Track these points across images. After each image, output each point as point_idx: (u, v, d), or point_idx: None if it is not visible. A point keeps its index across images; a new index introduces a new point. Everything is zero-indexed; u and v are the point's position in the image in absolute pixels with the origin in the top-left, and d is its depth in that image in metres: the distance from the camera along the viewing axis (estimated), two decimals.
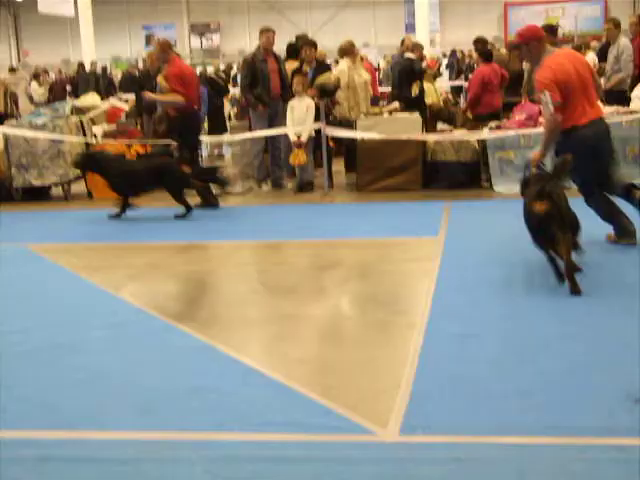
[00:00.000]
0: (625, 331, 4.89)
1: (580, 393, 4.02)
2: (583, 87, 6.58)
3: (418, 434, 3.67)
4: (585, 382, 4.16)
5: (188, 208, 9.24)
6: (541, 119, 10.11)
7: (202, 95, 13.36)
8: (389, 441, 3.64)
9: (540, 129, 10.08)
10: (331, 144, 11.50)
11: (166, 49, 10.16)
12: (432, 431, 3.68)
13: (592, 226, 6.62)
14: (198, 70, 17.96)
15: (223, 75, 18.39)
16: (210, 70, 21.29)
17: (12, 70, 23.01)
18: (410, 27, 33.57)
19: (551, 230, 5.63)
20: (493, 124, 10.45)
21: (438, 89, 13.82)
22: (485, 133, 10.24)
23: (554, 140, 6.65)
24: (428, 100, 12.57)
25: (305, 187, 10.81)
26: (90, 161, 9.76)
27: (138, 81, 13.46)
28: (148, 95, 10.63)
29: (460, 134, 10.63)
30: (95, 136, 12.12)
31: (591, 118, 6.60)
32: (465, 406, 3.93)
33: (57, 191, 11.61)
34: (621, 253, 6.69)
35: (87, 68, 24.28)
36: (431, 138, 10.64)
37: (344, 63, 11.43)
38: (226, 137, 13.22)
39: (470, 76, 14.65)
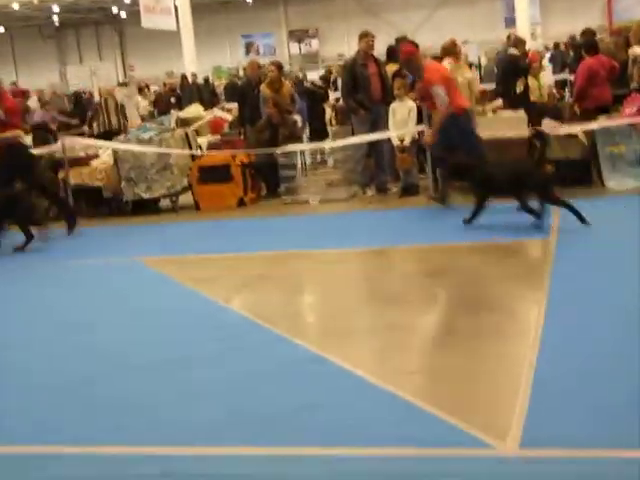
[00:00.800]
0: None
1: None
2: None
3: (539, 447, 3.55)
4: None
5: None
6: None
7: (301, 108, 13.43)
8: (509, 454, 3.53)
9: None
10: None
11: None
12: (553, 444, 3.55)
13: None
14: (294, 77, 17.97)
15: (320, 82, 18.41)
16: (308, 79, 21.29)
17: (123, 84, 23.64)
18: (509, 21, 32.97)
19: None
20: (602, 118, 10.12)
21: (543, 85, 13.47)
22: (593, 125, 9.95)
23: None
24: (532, 97, 12.29)
25: (410, 190, 10.72)
26: None
27: (240, 90, 13.57)
28: None
29: (567, 127, 10.37)
30: (200, 147, 12.32)
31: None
32: (585, 418, 3.78)
33: (165, 203, 11.85)
34: None
35: (190, 80, 24.75)
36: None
37: (447, 63, 11.28)
38: (328, 143, 13.24)
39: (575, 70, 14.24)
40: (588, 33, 12.39)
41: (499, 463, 3.48)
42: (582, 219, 7.83)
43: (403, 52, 9.98)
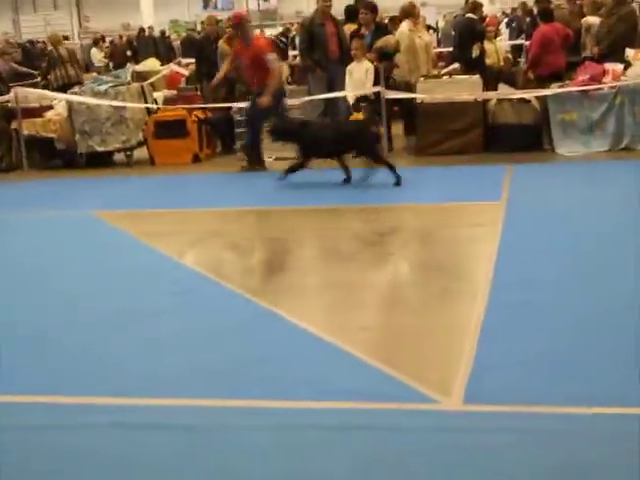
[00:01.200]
0: None
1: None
2: None
3: (482, 403, 3.68)
4: None
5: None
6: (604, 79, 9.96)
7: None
8: (453, 409, 3.67)
9: (605, 89, 9.94)
10: (394, 108, 11.45)
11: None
12: (495, 400, 3.69)
13: None
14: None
15: (283, 39, 18.32)
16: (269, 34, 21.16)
17: (66, 38, 23.18)
18: None
19: None
20: (555, 85, 10.27)
21: (499, 49, 13.57)
22: (546, 91, 10.11)
23: None
24: (488, 61, 12.39)
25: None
26: None
27: (198, 46, 13.46)
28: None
29: (521, 92, 10.52)
30: (156, 102, 12.23)
31: None
32: (528, 375, 3.93)
33: (120, 157, 11.78)
34: None
35: (147, 33, 24.45)
36: (491, 96, 10.53)
37: (405, 25, 11.30)
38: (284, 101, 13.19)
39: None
40: (543, 1, 12.50)
41: (443, 417, 3.61)
42: (398, 182, 8.59)
43: (235, 17, 10.66)
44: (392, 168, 8.70)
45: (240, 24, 10.29)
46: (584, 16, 12.33)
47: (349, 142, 8.94)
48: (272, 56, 10.14)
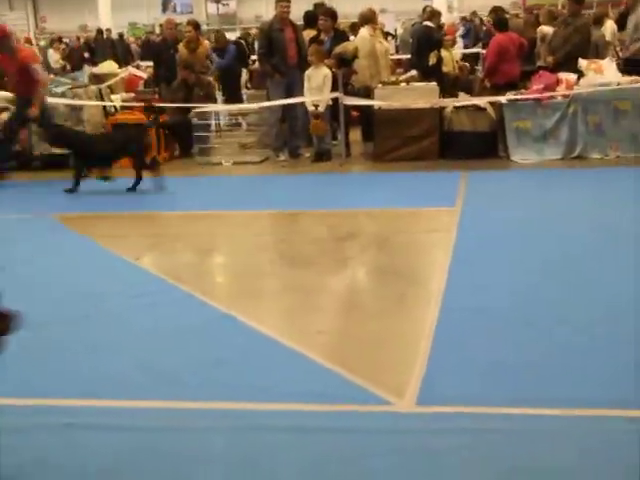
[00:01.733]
0: None
1: (594, 365, 4.09)
2: None
3: (434, 405, 3.75)
4: (600, 354, 4.23)
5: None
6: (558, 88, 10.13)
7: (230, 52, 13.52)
8: (406, 411, 3.72)
9: (559, 98, 10.12)
10: (354, 114, 11.55)
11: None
12: (448, 402, 3.76)
13: None
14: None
15: (244, 42, 18.33)
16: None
17: (28, 42, 23.01)
18: None
19: None
20: (510, 94, 10.43)
21: (455, 57, 13.75)
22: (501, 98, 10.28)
23: None
24: (445, 69, 12.54)
25: (322, 156, 10.87)
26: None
27: (156, 49, 13.44)
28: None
29: (477, 99, 10.67)
30: (115, 108, 12.19)
31: None
32: (480, 378, 4.01)
33: None
34: None
35: (104, 35, 24.29)
36: (447, 103, 10.67)
37: (365, 31, 11.39)
38: (243, 106, 13.25)
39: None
40: (497, 10, 12.69)
41: (396, 419, 3.66)
42: (134, 188, 9.23)
43: None
44: (140, 178, 9.27)
45: (2, 38, 10.19)
46: (539, 25, 12.55)
47: (121, 149, 9.37)
48: (37, 66, 10.44)
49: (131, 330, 4.96)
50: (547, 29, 12.30)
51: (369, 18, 11.53)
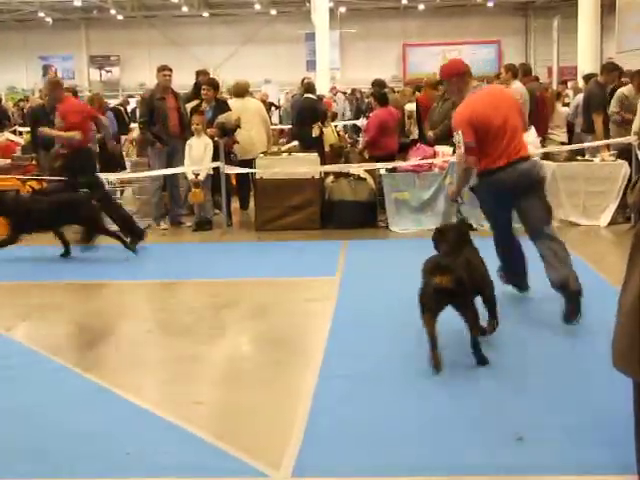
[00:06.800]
0: (517, 380, 5.10)
1: (470, 433, 4.17)
2: (504, 127, 6.20)
3: (310, 476, 3.74)
4: (475, 422, 4.31)
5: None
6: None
7: (110, 119, 13.40)
8: None
9: (435, 170, 10.45)
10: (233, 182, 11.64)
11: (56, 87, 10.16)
12: (323, 473, 3.76)
13: None
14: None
15: (122, 109, 18.23)
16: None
17: None
18: (311, 64, 33.98)
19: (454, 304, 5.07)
20: (389, 165, 10.71)
21: (334, 130, 14.07)
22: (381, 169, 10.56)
23: (468, 180, 6.48)
24: (328, 140, 12.79)
25: (203, 225, 10.85)
26: None
27: (34, 114, 13.19)
28: (44, 130, 10.54)
29: (357, 166, 10.93)
30: None
31: (509, 160, 6.20)
32: (356, 447, 4.03)
33: None
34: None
35: None
36: (328, 169, 10.91)
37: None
38: (123, 174, 13.11)
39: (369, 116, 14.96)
40: (377, 84, 13.09)
41: None
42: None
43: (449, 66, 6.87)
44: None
45: None
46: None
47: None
48: None
49: (0, 404, 4.77)
50: (412, 106, 12.79)
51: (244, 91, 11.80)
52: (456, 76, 6.51)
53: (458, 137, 6.18)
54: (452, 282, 4.93)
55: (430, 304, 5.03)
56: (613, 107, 11.00)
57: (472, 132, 6.12)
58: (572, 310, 5.94)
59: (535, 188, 6.30)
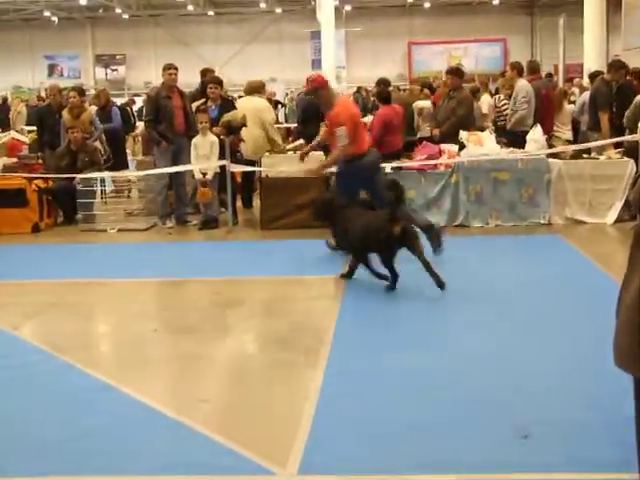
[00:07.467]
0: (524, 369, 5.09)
1: (475, 430, 4.16)
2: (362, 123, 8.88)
3: (316, 474, 3.73)
4: (480, 419, 4.30)
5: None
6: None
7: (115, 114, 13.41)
8: None
9: (441, 168, 10.44)
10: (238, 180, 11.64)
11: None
12: (329, 471, 3.75)
13: None
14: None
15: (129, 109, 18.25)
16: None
17: None
18: (317, 63, 33.97)
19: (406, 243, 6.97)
20: (394, 164, 10.68)
21: None
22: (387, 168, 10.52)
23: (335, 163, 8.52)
24: None
25: (209, 224, 10.85)
26: None
27: (40, 114, 13.22)
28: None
29: None
30: None
31: (368, 148, 8.40)
32: (361, 445, 4.02)
33: None
34: None
35: None
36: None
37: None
38: (129, 172, 13.12)
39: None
40: (382, 83, 13.06)
41: None
42: None
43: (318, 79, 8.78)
44: None
45: None
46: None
47: None
48: None
49: (3, 401, 4.79)
50: (422, 103, 12.76)
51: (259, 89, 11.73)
52: (327, 86, 8.51)
53: (342, 131, 8.05)
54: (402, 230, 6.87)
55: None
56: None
57: (353, 126, 8.09)
58: (438, 244, 8.26)
59: (379, 170, 8.59)
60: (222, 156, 10.59)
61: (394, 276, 7.05)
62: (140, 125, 16.46)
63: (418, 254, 6.99)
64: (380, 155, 8.73)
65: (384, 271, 7.11)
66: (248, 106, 11.46)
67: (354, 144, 8.14)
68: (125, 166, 13.40)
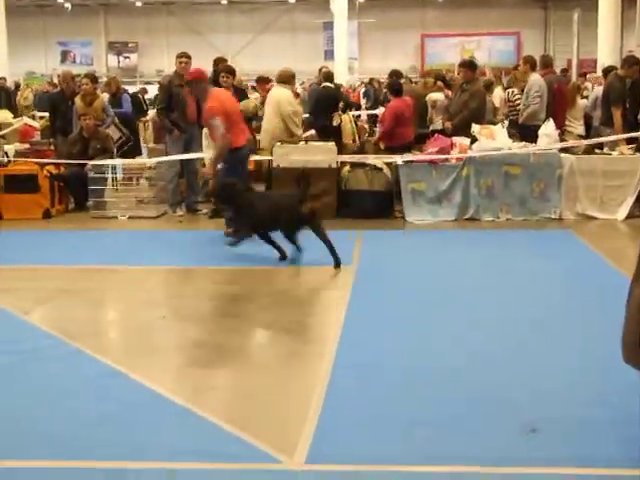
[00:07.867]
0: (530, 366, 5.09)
1: (483, 424, 4.17)
2: (240, 117, 9.37)
3: (323, 463, 3.75)
4: (488, 413, 4.31)
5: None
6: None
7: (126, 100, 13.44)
8: (295, 469, 3.72)
9: (452, 161, 10.42)
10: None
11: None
12: (337, 461, 3.77)
13: None
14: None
15: (140, 97, 18.27)
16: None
17: None
18: (329, 54, 33.95)
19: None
20: (406, 158, 10.67)
21: (352, 119, 14.02)
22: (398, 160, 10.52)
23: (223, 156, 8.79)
24: (344, 131, 12.78)
25: (219, 213, 10.84)
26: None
27: (52, 101, 13.24)
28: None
29: (374, 157, 10.90)
30: (7, 154, 11.95)
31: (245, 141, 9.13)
32: (369, 436, 4.03)
33: None
34: None
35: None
36: (345, 159, 10.88)
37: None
38: (140, 160, 13.14)
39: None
40: (394, 75, 13.05)
41: (284, 478, 3.66)
42: None
43: (196, 72, 9.62)
44: None
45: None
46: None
47: None
48: None
49: (15, 388, 4.81)
50: (436, 95, 12.74)
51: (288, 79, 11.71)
52: (206, 79, 9.20)
53: (217, 122, 8.51)
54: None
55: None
56: None
57: (225, 118, 8.53)
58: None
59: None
60: None
61: (299, 249, 7.99)
62: (151, 112, 16.49)
63: (321, 233, 7.83)
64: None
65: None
66: (272, 95, 11.44)
67: (230, 135, 8.69)
68: (139, 152, 13.43)
